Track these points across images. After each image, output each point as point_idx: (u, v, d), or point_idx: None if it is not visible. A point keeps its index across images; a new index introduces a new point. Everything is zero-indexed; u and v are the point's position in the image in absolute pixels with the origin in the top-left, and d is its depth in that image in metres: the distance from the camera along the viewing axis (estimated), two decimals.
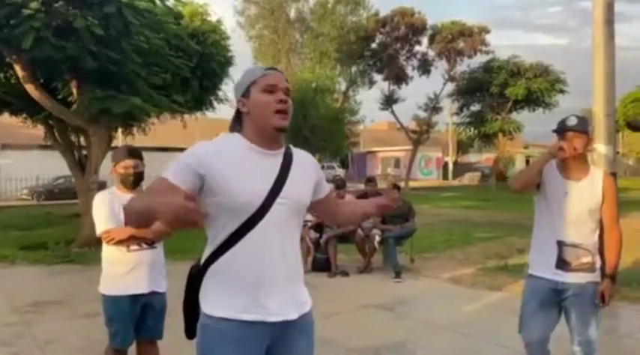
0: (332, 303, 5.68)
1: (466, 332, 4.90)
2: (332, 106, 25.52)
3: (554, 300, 2.90)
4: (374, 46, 29.47)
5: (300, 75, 25.60)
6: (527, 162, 40.50)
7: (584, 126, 2.82)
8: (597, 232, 2.85)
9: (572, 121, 2.83)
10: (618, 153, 29.53)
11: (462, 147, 48.94)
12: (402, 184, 14.84)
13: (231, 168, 1.75)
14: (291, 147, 1.97)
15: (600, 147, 6.35)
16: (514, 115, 30.77)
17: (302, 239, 6.92)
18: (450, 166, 47.68)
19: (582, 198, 2.83)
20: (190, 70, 11.07)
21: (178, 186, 1.68)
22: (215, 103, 13.97)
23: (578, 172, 2.87)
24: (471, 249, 9.61)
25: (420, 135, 30.02)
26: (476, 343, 4.62)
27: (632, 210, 13.81)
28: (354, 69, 30.52)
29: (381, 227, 7.62)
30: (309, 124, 21.30)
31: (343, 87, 30.56)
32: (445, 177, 46.74)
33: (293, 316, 1.83)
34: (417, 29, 28.50)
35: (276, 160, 1.85)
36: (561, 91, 28.66)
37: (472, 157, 51.60)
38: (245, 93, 1.85)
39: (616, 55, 6.47)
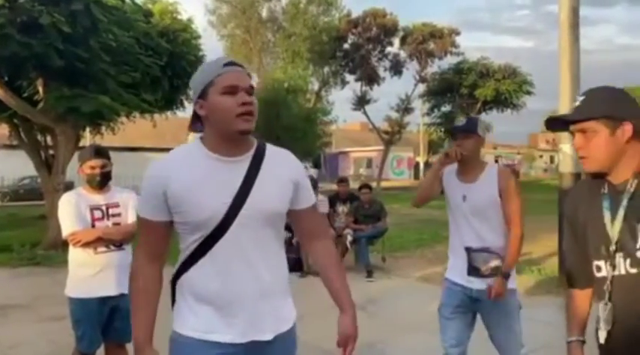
0: (304, 304, 5.57)
1: (437, 330, 4.94)
2: (304, 106, 25.48)
3: (469, 307, 2.85)
4: (346, 46, 29.59)
5: (273, 74, 25.49)
6: (496, 161, 41.22)
7: (472, 127, 2.76)
8: (504, 234, 2.74)
9: (461, 122, 2.79)
10: None
11: (433, 147, 49.50)
12: (373, 184, 14.94)
13: (188, 185, 1.60)
14: (267, 145, 1.77)
15: (566, 147, 6.52)
16: (483, 116, 31.26)
17: None
18: (422, 166, 48.19)
19: (480, 199, 2.72)
20: (160, 69, 10.95)
21: (161, 224, 1.67)
22: (186, 103, 13.89)
23: (473, 173, 2.77)
24: (440, 247, 9.70)
25: (392, 135, 30.26)
26: None
27: None
28: (326, 69, 30.56)
29: (353, 227, 7.66)
30: (281, 124, 21.23)
31: (316, 87, 30.57)
32: (417, 176, 47.17)
33: (266, 336, 1.67)
34: (388, 30, 28.73)
35: (241, 166, 1.66)
36: (528, 93, 29.23)
37: None
38: (202, 95, 1.63)
39: (581, 57, 6.66)
